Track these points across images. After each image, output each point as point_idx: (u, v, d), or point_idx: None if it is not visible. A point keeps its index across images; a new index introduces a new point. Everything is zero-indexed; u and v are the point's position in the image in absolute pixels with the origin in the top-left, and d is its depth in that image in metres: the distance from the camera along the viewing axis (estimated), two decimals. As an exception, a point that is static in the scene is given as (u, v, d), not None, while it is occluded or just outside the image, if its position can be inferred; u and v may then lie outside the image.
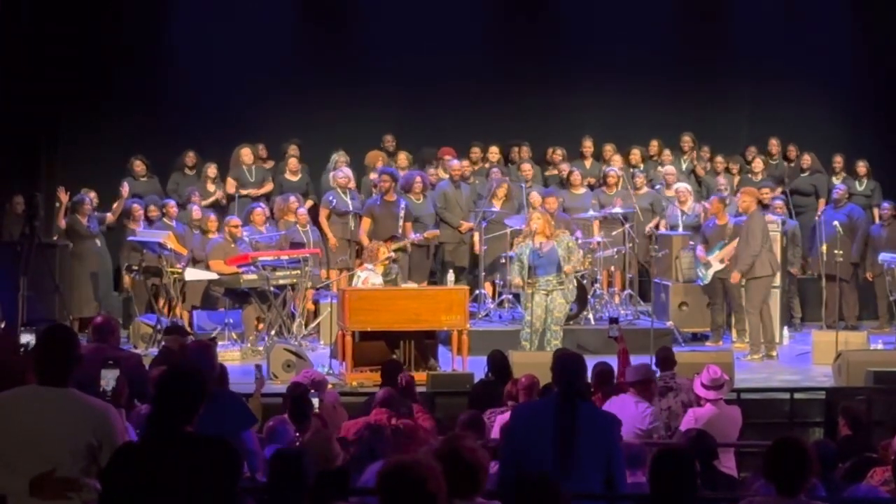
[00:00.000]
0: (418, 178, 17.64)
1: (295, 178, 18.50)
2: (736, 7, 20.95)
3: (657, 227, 17.98)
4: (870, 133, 20.24)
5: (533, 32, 20.41)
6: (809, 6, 20.91)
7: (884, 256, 16.96)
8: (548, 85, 20.17)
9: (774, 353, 15.66)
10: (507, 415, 9.32)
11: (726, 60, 20.68)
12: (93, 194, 17.35)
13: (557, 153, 19.39)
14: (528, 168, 18.48)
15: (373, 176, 18.01)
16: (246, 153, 18.49)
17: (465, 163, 18.67)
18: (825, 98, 20.71)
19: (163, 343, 12.15)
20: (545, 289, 14.33)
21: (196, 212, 17.17)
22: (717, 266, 16.22)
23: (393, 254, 15.89)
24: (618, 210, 17.40)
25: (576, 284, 14.80)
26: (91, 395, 6.04)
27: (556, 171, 19.17)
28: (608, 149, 19.47)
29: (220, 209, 17.82)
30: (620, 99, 20.33)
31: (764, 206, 16.64)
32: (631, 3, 20.39)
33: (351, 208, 17.22)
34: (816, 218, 17.41)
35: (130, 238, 16.59)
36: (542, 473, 5.48)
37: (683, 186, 17.88)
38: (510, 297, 16.59)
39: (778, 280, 16.42)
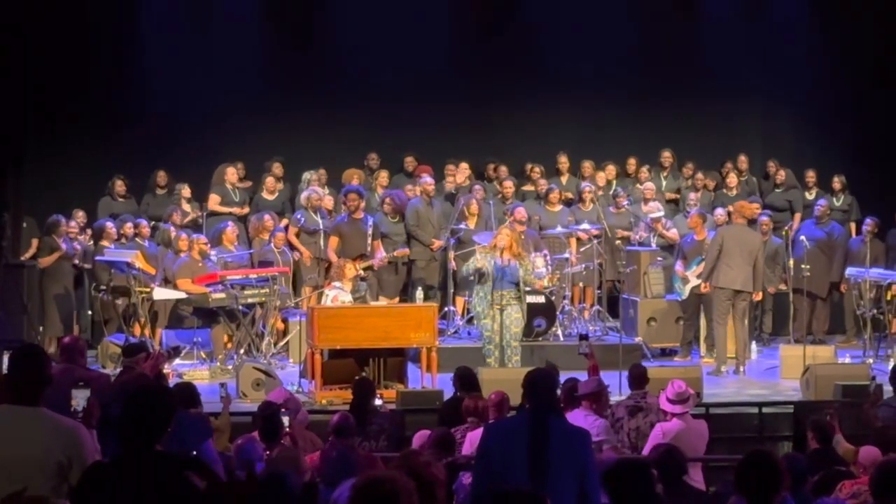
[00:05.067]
0: (387, 199, 17.67)
1: (271, 197, 18.44)
2: (706, 24, 20.99)
3: (628, 240, 17.99)
4: (841, 148, 20.30)
5: (507, 50, 20.40)
6: (780, 22, 20.98)
7: (850, 271, 17.05)
8: (522, 102, 20.18)
9: (742, 369, 15.71)
10: (478, 431, 9.33)
11: (698, 77, 20.72)
12: (81, 214, 17.33)
13: (536, 170, 19.42)
14: (509, 185, 18.49)
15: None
16: (231, 172, 18.39)
17: (448, 180, 18.72)
18: (796, 113, 20.80)
19: (124, 364, 12.03)
20: (499, 303, 14.33)
21: (173, 232, 17.11)
22: (694, 281, 16.28)
23: (362, 272, 15.90)
24: (586, 226, 17.45)
25: (526, 304, 14.79)
26: (62, 414, 6.03)
27: (532, 188, 19.20)
28: (587, 166, 19.51)
29: (197, 228, 17.77)
30: (594, 116, 20.39)
31: (750, 222, 16.70)
32: (603, 22, 20.41)
33: (320, 227, 17.22)
34: (785, 232, 17.43)
35: (98, 258, 16.55)
36: (524, 487, 5.49)
37: (657, 214, 17.91)
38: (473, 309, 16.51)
39: (755, 297, 16.45)
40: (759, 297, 16.48)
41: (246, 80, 19.77)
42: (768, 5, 21.29)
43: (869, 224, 17.69)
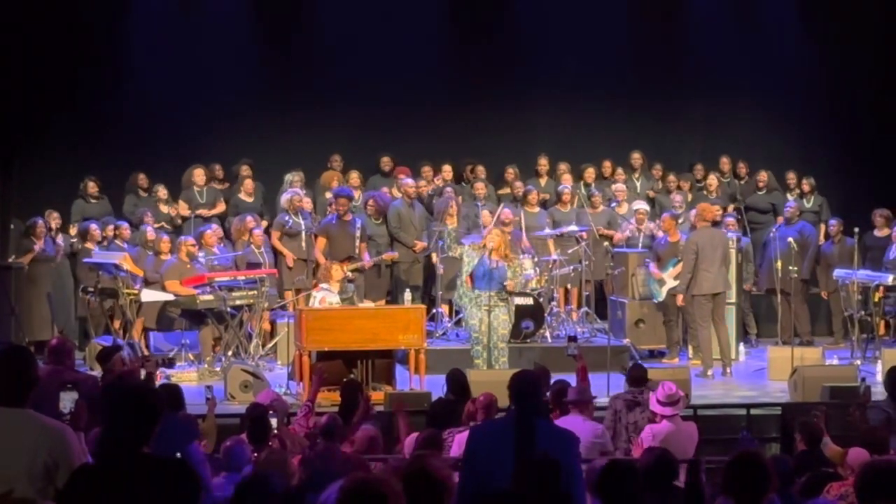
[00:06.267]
0: (370, 201, 17.69)
1: (250, 199, 18.46)
2: (688, 26, 21.05)
3: (612, 242, 18.02)
4: (819, 150, 20.39)
5: (486, 52, 20.43)
6: (761, 25, 21.08)
7: (838, 273, 17.08)
8: (501, 104, 20.19)
9: (729, 371, 15.72)
10: (465, 433, 9.31)
11: (679, 79, 20.76)
12: (56, 215, 17.30)
13: (510, 172, 19.43)
14: (480, 187, 18.46)
15: (328, 195, 17.94)
16: (198, 174, 18.42)
17: (422, 182, 18.71)
18: (776, 116, 20.84)
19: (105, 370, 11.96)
20: (486, 304, 14.33)
21: (150, 233, 17.11)
22: (670, 283, 16.31)
23: (350, 273, 15.88)
24: (573, 228, 17.46)
25: (513, 305, 14.82)
26: (49, 416, 6.00)
27: (509, 190, 19.21)
28: (562, 167, 19.54)
29: (175, 230, 17.78)
30: (573, 118, 20.41)
31: (715, 224, 16.73)
32: (584, 23, 20.45)
33: (303, 228, 17.19)
34: (772, 234, 17.46)
35: (86, 260, 16.53)
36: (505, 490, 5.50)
37: (642, 207, 17.95)
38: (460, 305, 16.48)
39: (733, 297, 16.52)
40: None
41: (226, 82, 19.78)
42: (754, 8, 21.34)
43: (834, 225, 17.87)
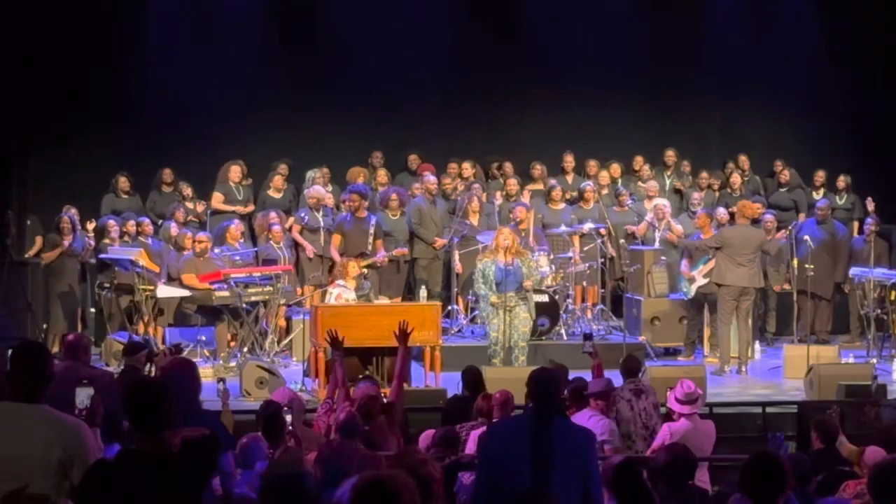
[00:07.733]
0: (393, 195, 17.62)
1: (278, 196, 18.43)
2: (709, 24, 21.00)
3: (633, 236, 17.99)
4: (844, 148, 20.31)
5: (512, 51, 20.49)
6: (781, 22, 21.02)
7: (854, 271, 17.04)
8: (528, 101, 20.23)
9: (744, 369, 15.68)
10: (481, 429, 9.31)
11: (700, 78, 20.76)
12: (73, 211, 17.31)
13: (537, 168, 19.41)
14: (513, 183, 18.48)
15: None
16: (235, 171, 18.37)
17: (446, 179, 18.73)
18: (799, 114, 20.78)
19: (125, 364, 11.97)
20: (504, 305, 14.34)
21: (173, 229, 17.12)
22: (700, 281, 16.24)
23: (365, 270, 15.89)
24: (589, 225, 17.43)
25: (533, 303, 14.85)
26: (65, 412, 6.00)
27: (541, 186, 19.18)
28: (592, 164, 19.50)
29: (201, 226, 17.79)
30: (599, 115, 20.40)
31: (754, 222, 16.68)
32: (607, 23, 20.49)
33: (322, 225, 17.21)
34: (789, 230, 17.38)
35: (101, 256, 16.56)
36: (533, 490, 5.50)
37: (662, 203, 17.91)
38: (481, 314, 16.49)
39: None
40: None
41: (250, 77, 19.78)
42: (774, 4, 21.29)
43: (870, 224, 17.67)
